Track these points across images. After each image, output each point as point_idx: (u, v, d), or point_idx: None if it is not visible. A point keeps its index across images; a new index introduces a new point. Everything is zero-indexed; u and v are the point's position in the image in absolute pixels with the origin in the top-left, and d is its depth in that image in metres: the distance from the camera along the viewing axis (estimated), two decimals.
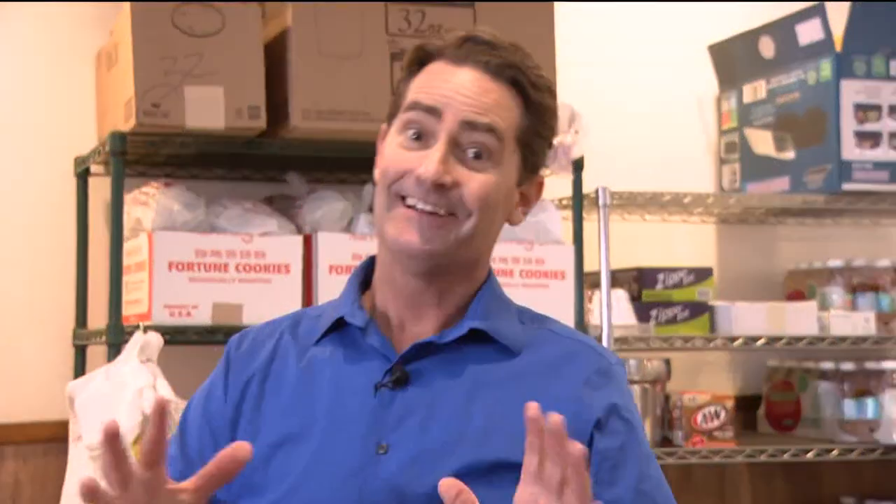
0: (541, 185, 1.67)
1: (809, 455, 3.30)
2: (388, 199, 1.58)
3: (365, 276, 1.67)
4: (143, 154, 2.88)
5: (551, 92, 1.65)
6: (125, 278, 2.87)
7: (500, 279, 1.76)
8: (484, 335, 1.59)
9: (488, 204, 1.56)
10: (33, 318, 3.09)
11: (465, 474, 1.48)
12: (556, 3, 3.08)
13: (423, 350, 1.58)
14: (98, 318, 3.06)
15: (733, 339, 3.24)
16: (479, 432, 1.56)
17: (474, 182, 1.55)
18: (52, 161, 3.12)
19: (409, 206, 1.55)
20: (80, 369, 3.02)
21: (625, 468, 1.58)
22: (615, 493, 1.55)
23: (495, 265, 1.82)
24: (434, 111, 1.54)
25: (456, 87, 1.56)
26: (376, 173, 1.65)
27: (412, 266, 1.56)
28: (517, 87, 1.58)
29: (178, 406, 2.59)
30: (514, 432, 1.49)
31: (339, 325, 1.63)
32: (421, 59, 1.61)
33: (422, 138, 1.55)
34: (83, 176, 3.07)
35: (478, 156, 1.55)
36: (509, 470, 1.50)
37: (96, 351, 3.02)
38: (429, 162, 1.52)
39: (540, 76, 1.62)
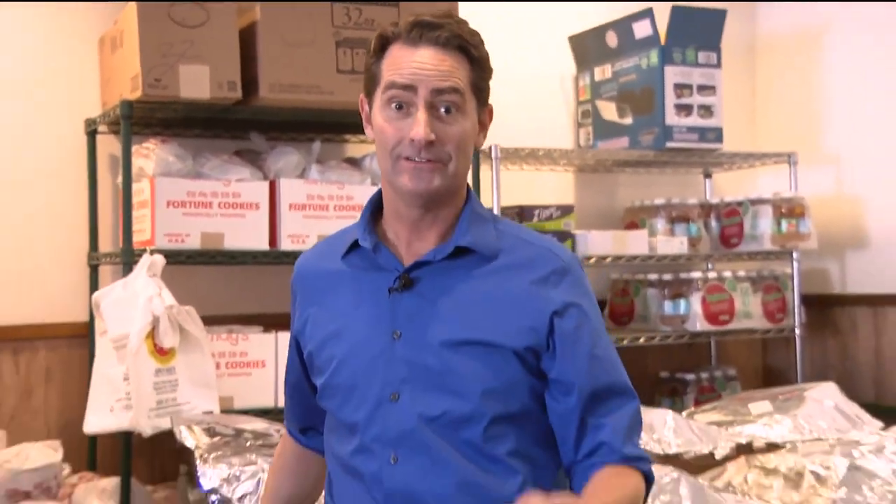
0: (491, 111, 1.70)
1: (640, 341, 3.48)
2: (391, 159, 1.62)
3: (373, 209, 1.72)
4: (140, 117, 2.90)
5: (483, 44, 1.67)
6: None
7: None
8: (468, 249, 1.65)
9: (463, 147, 1.61)
10: (55, 245, 3.13)
11: (455, 347, 1.62)
12: (459, 3, 3.14)
13: (421, 264, 1.65)
14: (105, 244, 3.15)
15: (588, 258, 3.38)
16: (460, 318, 1.63)
17: (451, 133, 1.60)
18: (66, 122, 3.13)
19: (409, 160, 1.59)
20: (93, 283, 3.09)
21: (580, 341, 1.63)
22: (575, 363, 1.64)
23: None
24: (409, 87, 1.57)
25: (420, 64, 1.59)
26: (368, 132, 1.69)
27: (416, 202, 1.61)
28: (462, 51, 1.61)
29: (178, 311, 2.76)
30: (489, 318, 1.63)
31: (356, 245, 1.70)
32: (382, 45, 1.63)
33: (403, 108, 1.59)
34: (92, 134, 3.10)
35: (448, 111, 1.59)
36: (484, 346, 1.62)
37: (105, 269, 3.13)
38: (418, 127, 1.56)
39: (474, 35, 1.66)
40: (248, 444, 2.41)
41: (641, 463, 1.64)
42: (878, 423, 2.85)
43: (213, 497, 2.24)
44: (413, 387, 1.61)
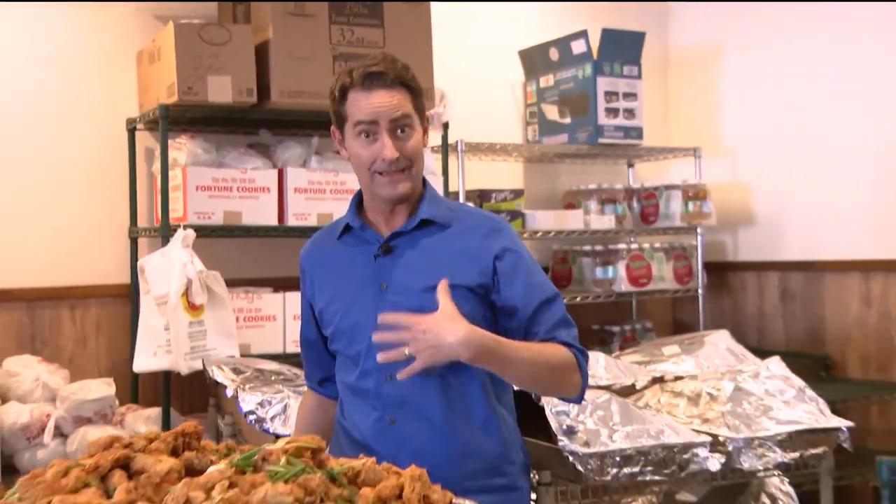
0: (429, 118, 1.84)
1: (577, 300, 3.58)
2: (369, 175, 1.76)
3: (358, 200, 1.86)
4: (173, 117, 2.92)
5: (414, 76, 1.79)
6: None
7: None
8: (429, 221, 1.80)
9: (419, 152, 1.78)
10: (101, 221, 3.17)
11: (427, 291, 1.73)
12: (433, 26, 3.14)
13: (397, 235, 1.79)
14: (142, 220, 3.19)
15: (535, 233, 3.48)
16: (430, 270, 1.77)
17: (408, 146, 1.75)
18: (110, 122, 3.16)
19: (383, 174, 1.74)
20: (133, 252, 3.15)
21: (518, 274, 1.77)
22: (514, 290, 1.77)
23: None
24: (373, 122, 1.72)
25: (377, 103, 1.72)
26: (343, 154, 1.81)
27: (393, 201, 1.78)
28: (403, 85, 1.74)
29: (206, 274, 2.84)
30: (449, 268, 1.76)
31: (348, 229, 1.85)
32: (343, 92, 1.75)
33: (370, 136, 1.73)
34: (132, 131, 3.15)
35: (403, 130, 1.74)
36: (451, 288, 1.71)
37: (142, 241, 3.18)
38: (385, 150, 1.71)
39: (408, 70, 1.77)
40: (272, 378, 2.49)
41: (579, 353, 1.75)
42: (759, 360, 2.89)
43: (251, 417, 2.34)
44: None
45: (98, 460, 1.53)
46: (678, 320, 4.22)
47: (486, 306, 1.77)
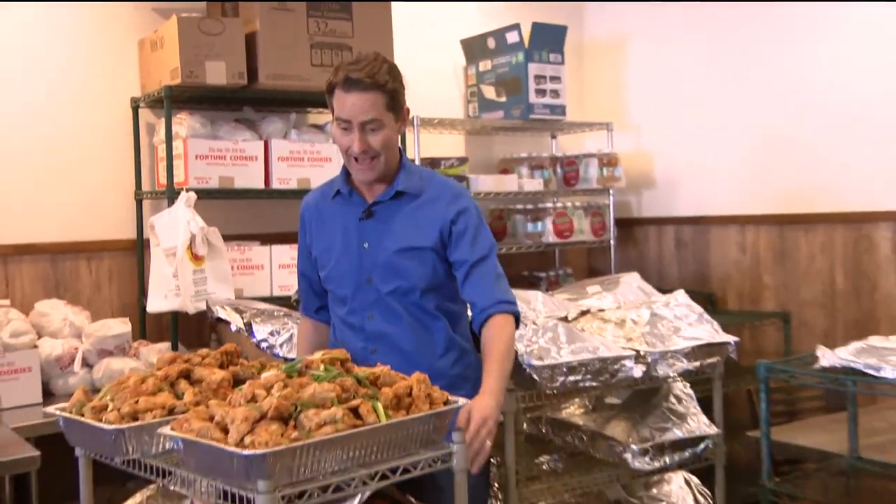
0: (407, 111, 1.87)
1: (512, 250, 3.65)
2: (346, 156, 1.83)
3: (346, 169, 1.90)
4: (173, 97, 2.94)
5: (392, 77, 1.77)
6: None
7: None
8: (403, 192, 1.86)
9: (387, 144, 1.81)
10: (110, 185, 3.20)
11: (399, 252, 1.83)
12: (392, 20, 3.22)
13: (376, 203, 1.87)
14: (146, 185, 3.22)
15: (477, 194, 3.50)
16: (402, 233, 1.85)
17: (376, 141, 1.79)
18: (115, 101, 3.19)
19: (356, 160, 1.81)
20: (139, 212, 3.18)
21: (467, 234, 1.86)
22: (461, 247, 1.86)
23: None
24: (347, 121, 1.77)
25: (351, 106, 1.76)
26: (333, 132, 1.81)
27: (365, 183, 1.87)
28: (378, 88, 1.75)
29: (206, 230, 2.88)
30: (417, 232, 1.83)
31: (338, 192, 1.92)
32: (331, 89, 1.79)
33: (346, 129, 1.78)
34: (136, 109, 3.18)
35: (373, 129, 1.78)
36: (415, 249, 1.85)
37: (146, 203, 3.21)
38: (354, 145, 1.78)
39: (389, 72, 1.76)
40: (275, 313, 2.49)
41: (511, 305, 1.82)
42: (662, 296, 2.87)
43: (263, 344, 2.37)
44: (377, 274, 1.88)
45: (167, 371, 1.76)
46: (593, 267, 4.31)
47: (443, 261, 1.87)
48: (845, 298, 3.45)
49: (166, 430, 1.49)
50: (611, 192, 3.92)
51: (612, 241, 3.93)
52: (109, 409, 1.65)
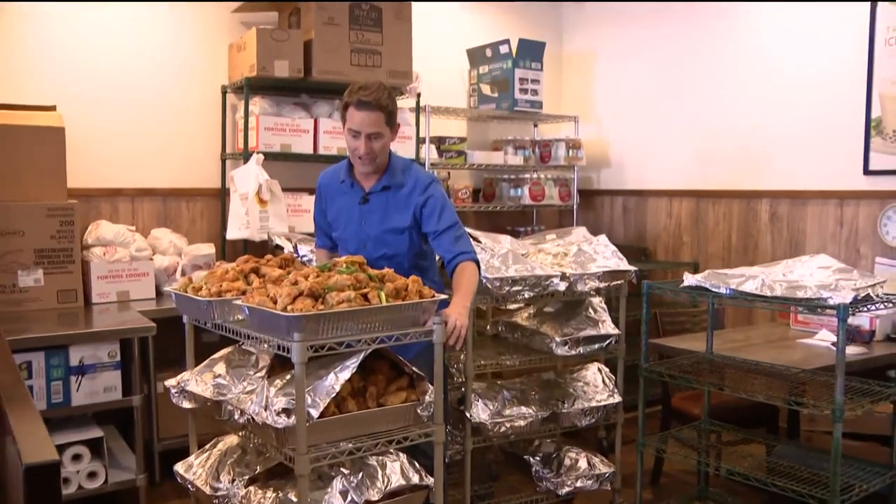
0: (398, 125, 1.93)
1: (498, 209, 3.80)
2: (353, 156, 1.90)
3: (349, 163, 1.96)
4: (251, 85, 3.08)
5: (391, 101, 1.83)
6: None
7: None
8: (388, 186, 1.92)
9: (383, 149, 1.90)
10: (204, 148, 3.34)
11: (386, 232, 1.91)
12: (413, 32, 3.30)
13: (370, 193, 1.95)
14: (229, 147, 3.36)
15: (473, 165, 3.66)
16: (387, 217, 1.92)
17: (376, 146, 1.86)
18: (210, 87, 3.34)
19: (360, 158, 1.88)
20: (223, 168, 3.34)
21: (434, 214, 1.92)
22: (430, 224, 1.92)
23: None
24: (357, 132, 1.85)
25: (360, 121, 1.83)
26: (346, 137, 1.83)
27: (364, 173, 1.92)
28: (381, 109, 1.83)
29: (270, 182, 3.02)
30: (398, 216, 1.91)
31: (342, 181, 1.98)
32: (346, 106, 1.85)
33: (356, 137, 1.85)
34: (224, 94, 3.34)
35: (375, 139, 1.87)
36: (398, 229, 1.93)
37: (229, 162, 3.35)
38: (360, 149, 1.85)
39: (390, 96, 1.81)
40: (313, 241, 2.46)
41: (469, 255, 1.90)
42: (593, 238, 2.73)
43: (305, 258, 2.52)
44: (370, 244, 1.99)
45: (243, 267, 2.11)
46: (561, 225, 4.31)
47: (418, 233, 1.96)
48: (737, 252, 3.61)
49: (239, 301, 1.75)
50: (575, 168, 4.01)
51: (575, 206, 4.03)
52: (203, 289, 1.95)
